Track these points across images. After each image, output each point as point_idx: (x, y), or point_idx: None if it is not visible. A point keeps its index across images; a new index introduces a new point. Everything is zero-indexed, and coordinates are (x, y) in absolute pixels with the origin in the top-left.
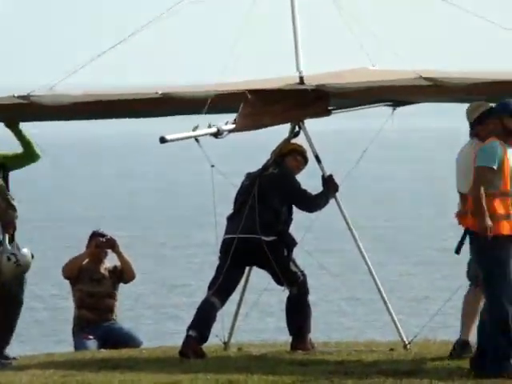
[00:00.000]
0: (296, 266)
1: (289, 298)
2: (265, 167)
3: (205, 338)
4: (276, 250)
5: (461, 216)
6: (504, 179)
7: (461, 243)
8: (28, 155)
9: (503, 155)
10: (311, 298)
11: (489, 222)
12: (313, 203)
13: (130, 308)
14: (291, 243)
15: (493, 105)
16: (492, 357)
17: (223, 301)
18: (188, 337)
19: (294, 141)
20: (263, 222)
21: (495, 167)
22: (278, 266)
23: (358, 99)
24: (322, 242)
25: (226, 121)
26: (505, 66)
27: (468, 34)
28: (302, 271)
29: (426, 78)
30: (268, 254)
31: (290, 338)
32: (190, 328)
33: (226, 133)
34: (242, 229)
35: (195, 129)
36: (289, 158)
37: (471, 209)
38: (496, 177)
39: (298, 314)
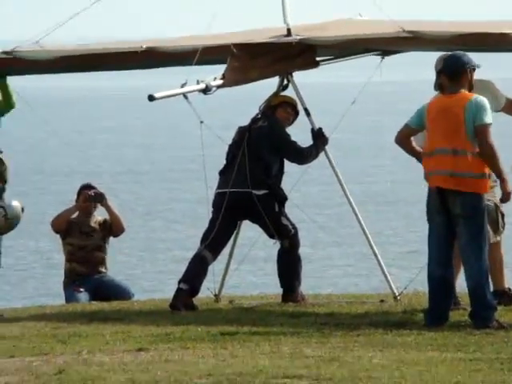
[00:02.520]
0: (287, 219)
1: (280, 252)
2: (254, 120)
3: (196, 291)
4: (267, 203)
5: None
6: (427, 137)
7: (439, 201)
8: (4, 103)
9: (426, 114)
10: (302, 250)
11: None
12: (302, 155)
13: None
14: (282, 197)
15: None
16: (478, 310)
17: (215, 254)
18: (179, 290)
19: (283, 93)
20: (253, 175)
21: (412, 126)
22: (269, 220)
23: (343, 50)
24: (314, 196)
25: (213, 76)
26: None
27: None
28: (293, 225)
29: (408, 31)
30: (259, 208)
31: (280, 291)
32: (181, 281)
33: (214, 88)
34: (233, 183)
35: (183, 85)
36: (279, 109)
37: (467, 169)
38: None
39: (288, 267)
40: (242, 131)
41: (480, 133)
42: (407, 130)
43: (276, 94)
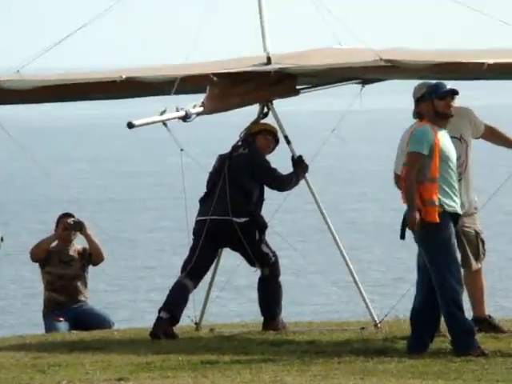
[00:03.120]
0: (268, 247)
1: (260, 279)
2: (234, 148)
3: (176, 320)
4: (248, 231)
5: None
6: (434, 164)
7: (403, 228)
8: None
9: (434, 139)
10: (283, 278)
11: (417, 216)
12: (283, 182)
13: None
14: (263, 224)
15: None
16: (456, 337)
17: (196, 282)
18: (159, 318)
19: (263, 121)
20: (234, 203)
21: (426, 152)
22: (250, 248)
23: (323, 79)
24: (295, 223)
25: (193, 104)
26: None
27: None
28: (273, 252)
29: (385, 60)
30: (240, 236)
31: (261, 319)
32: (161, 309)
33: (194, 116)
34: (214, 210)
35: (163, 113)
36: (259, 137)
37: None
38: (426, 162)
39: (269, 295)
40: (222, 159)
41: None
42: (421, 158)
43: (256, 122)
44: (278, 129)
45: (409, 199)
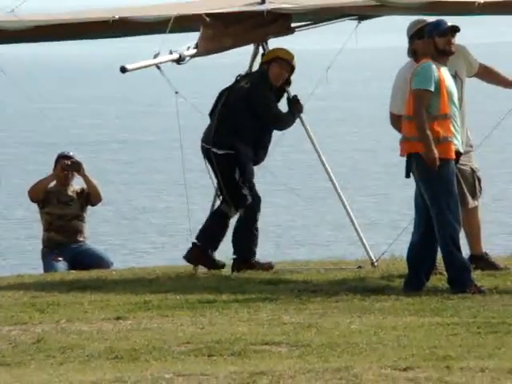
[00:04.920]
0: (249, 189)
1: (237, 220)
2: (237, 80)
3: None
4: (225, 165)
5: (401, 142)
6: (443, 101)
7: (408, 168)
8: None
9: (439, 76)
10: (280, 218)
11: (435, 152)
12: (281, 119)
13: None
14: (246, 161)
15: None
16: (453, 274)
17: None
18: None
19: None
20: (218, 133)
21: (432, 89)
22: (223, 182)
23: (315, 17)
24: (291, 163)
25: (187, 46)
26: None
27: None
28: (254, 195)
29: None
30: (215, 167)
31: (262, 258)
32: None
33: (188, 58)
34: (203, 137)
35: (156, 56)
36: (273, 64)
37: (416, 134)
38: (434, 99)
39: (240, 238)
40: (221, 91)
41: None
42: (429, 95)
43: (272, 49)
44: (294, 55)
45: (424, 137)
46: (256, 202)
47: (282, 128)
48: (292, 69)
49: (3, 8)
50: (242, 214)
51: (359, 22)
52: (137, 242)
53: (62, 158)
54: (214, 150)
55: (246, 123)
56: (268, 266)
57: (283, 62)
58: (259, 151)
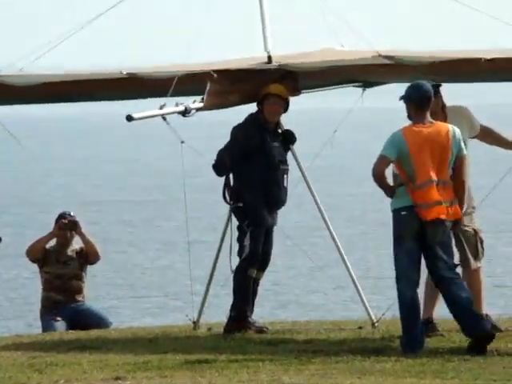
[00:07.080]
0: (251, 239)
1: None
2: None
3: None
4: (237, 217)
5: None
6: (417, 169)
7: None
8: None
9: (407, 146)
10: (280, 276)
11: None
12: (218, 155)
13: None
14: (247, 213)
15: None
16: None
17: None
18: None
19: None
20: (230, 188)
21: (392, 158)
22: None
23: (322, 79)
24: (294, 221)
25: (193, 99)
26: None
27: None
28: (253, 248)
29: (384, 56)
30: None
31: (261, 318)
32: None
33: (193, 111)
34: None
35: (162, 107)
36: (265, 103)
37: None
38: (406, 167)
39: (233, 289)
40: None
41: (462, 163)
42: (387, 162)
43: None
44: (284, 89)
45: (380, 185)
46: (251, 256)
47: (216, 164)
48: (287, 103)
49: (13, 65)
50: (237, 265)
51: (364, 89)
52: (136, 302)
53: (61, 217)
54: (231, 203)
55: (236, 170)
56: (260, 330)
57: (274, 97)
58: (268, 195)
